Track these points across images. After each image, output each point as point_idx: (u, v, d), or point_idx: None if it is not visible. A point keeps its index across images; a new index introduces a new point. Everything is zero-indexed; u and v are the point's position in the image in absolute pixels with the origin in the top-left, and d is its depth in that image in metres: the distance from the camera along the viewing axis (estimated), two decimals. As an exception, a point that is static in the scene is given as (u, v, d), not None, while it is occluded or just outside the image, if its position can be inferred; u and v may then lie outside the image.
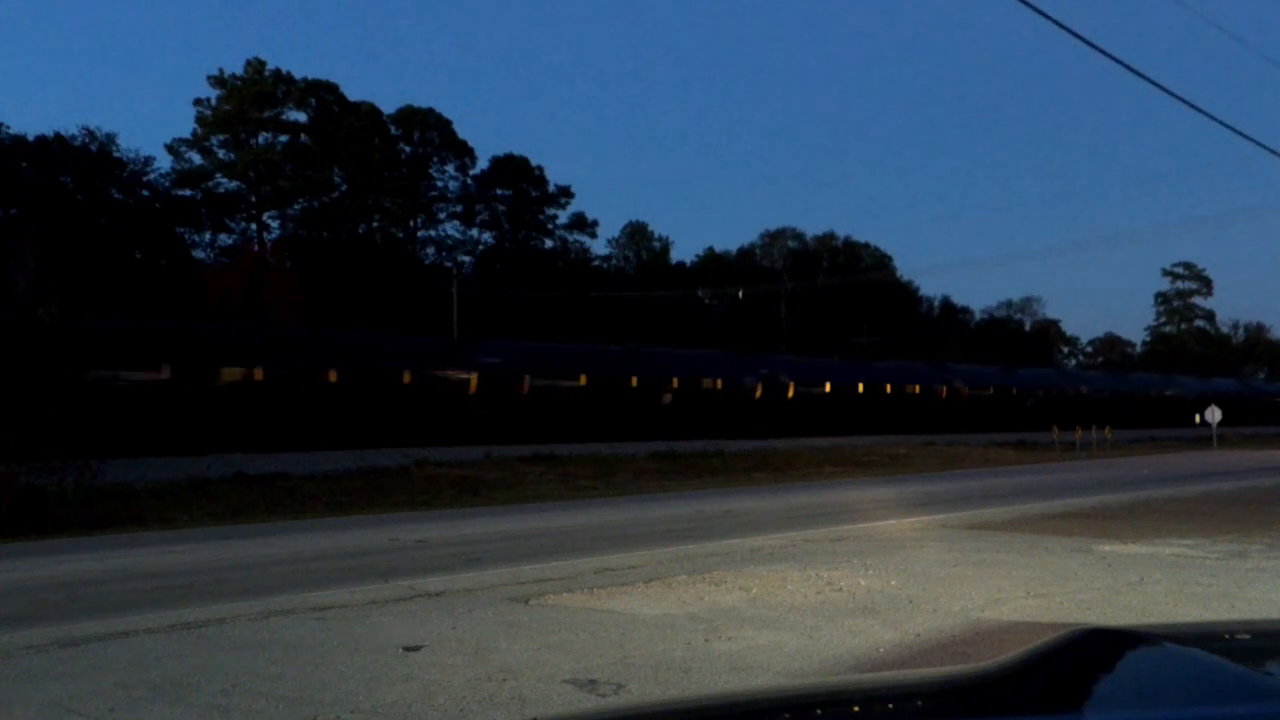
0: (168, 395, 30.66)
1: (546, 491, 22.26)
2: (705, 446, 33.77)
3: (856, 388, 52.58)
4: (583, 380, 42.33)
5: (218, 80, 63.08)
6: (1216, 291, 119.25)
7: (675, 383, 45.52)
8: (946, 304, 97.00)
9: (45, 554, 12.55)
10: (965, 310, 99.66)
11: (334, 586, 9.35)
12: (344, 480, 22.75)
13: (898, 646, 6.73)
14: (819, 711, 1.84)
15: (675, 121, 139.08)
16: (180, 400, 30.66)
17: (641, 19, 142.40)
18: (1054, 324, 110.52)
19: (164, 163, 62.59)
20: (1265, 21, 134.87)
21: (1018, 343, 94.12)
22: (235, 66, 65.02)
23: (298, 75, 65.00)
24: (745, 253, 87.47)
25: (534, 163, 74.73)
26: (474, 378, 38.58)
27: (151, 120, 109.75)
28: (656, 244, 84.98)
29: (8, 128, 55.44)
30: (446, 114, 73.06)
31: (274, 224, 66.66)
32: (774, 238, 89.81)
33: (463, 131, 72.35)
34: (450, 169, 72.71)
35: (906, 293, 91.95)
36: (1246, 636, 2.34)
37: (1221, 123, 20.14)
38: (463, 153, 72.28)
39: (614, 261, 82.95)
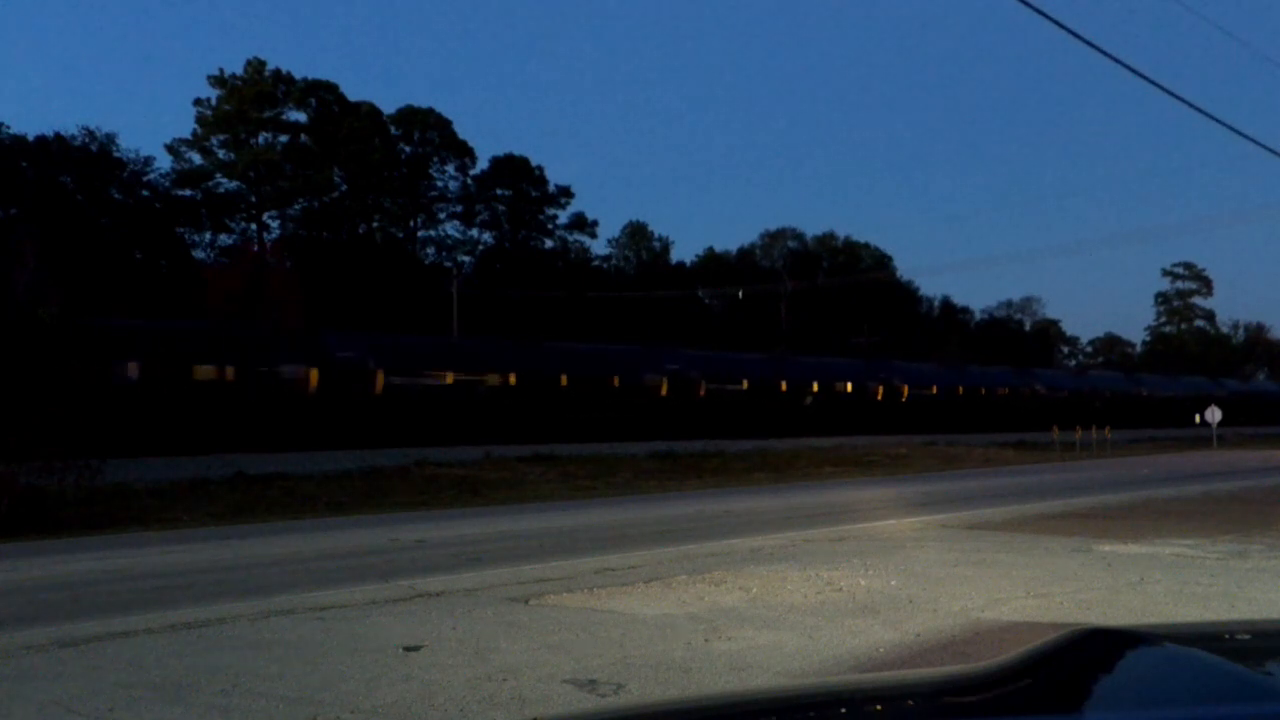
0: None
1: (546, 491, 22.26)
2: (705, 446, 33.76)
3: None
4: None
5: (218, 80, 63.08)
6: (1216, 291, 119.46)
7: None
8: (946, 304, 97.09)
9: (45, 554, 12.55)
10: (965, 310, 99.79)
11: (334, 586, 9.35)
12: (344, 480, 22.76)
13: (898, 646, 6.73)
14: (819, 712, 1.84)
15: (675, 121, 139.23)
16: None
17: (641, 19, 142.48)
18: (1054, 324, 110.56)
19: (164, 163, 62.66)
20: (1265, 21, 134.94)
21: (1018, 343, 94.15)
22: (235, 66, 65.07)
23: (298, 75, 65.09)
24: (745, 253, 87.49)
25: (534, 163, 74.82)
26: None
27: (151, 120, 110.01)
28: (656, 244, 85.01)
29: (8, 128, 55.49)
30: (446, 114, 73.14)
31: (274, 224, 66.72)
32: (774, 238, 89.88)
33: (463, 131, 72.43)
34: (450, 169, 72.76)
35: (906, 293, 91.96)
36: (1246, 636, 2.34)
37: (1221, 123, 20.15)
38: (463, 153, 72.28)
39: (614, 261, 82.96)
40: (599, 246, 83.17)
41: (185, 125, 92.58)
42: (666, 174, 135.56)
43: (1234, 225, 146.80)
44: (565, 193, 76.08)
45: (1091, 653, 1.93)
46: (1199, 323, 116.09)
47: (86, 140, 56.82)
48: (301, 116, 65.59)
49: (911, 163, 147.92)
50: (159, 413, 30.19)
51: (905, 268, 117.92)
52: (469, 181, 73.27)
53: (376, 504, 19.23)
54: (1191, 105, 18.79)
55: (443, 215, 73.40)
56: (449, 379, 39.30)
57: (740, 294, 70.34)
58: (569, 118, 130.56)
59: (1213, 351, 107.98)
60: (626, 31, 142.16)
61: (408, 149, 70.39)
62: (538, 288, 62.75)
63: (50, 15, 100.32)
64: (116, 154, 57.81)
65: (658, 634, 7.11)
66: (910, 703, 1.89)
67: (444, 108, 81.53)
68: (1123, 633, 2.07)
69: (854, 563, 10.41)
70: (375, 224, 70.12)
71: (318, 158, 64.17)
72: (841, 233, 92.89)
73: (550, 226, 76.93)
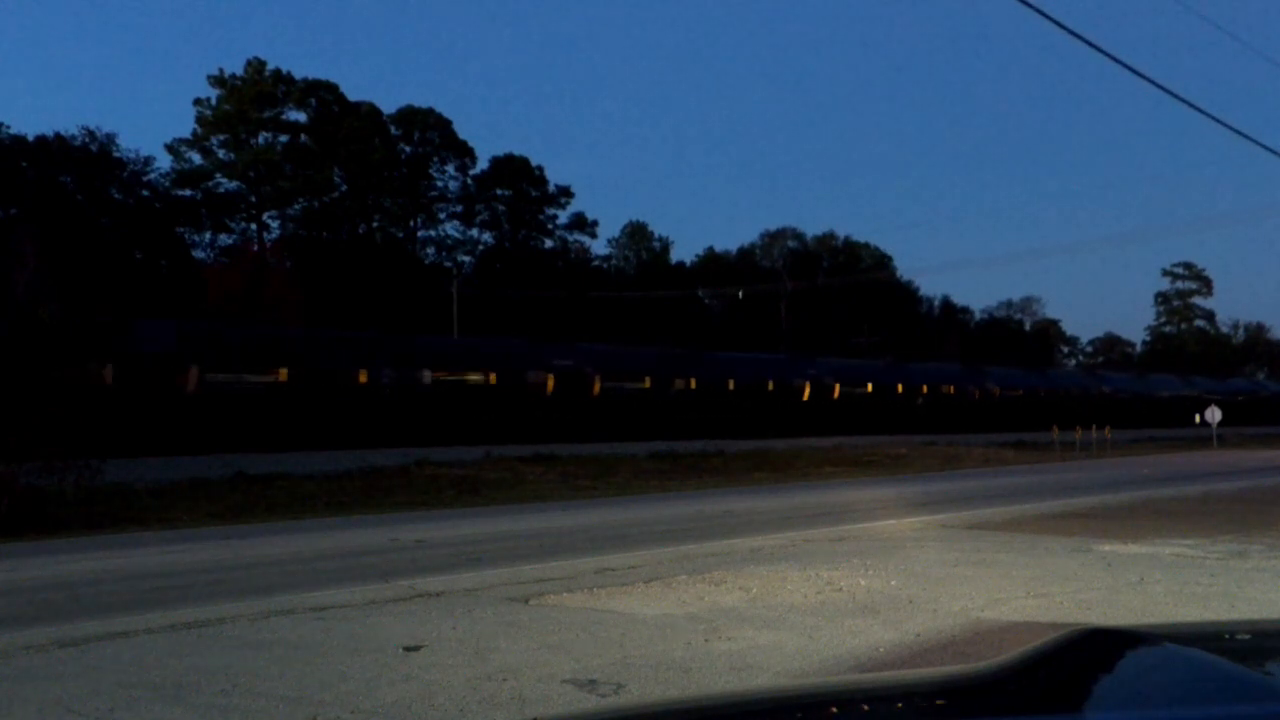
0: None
1: (546, 491, 22.25)
2: (705, 446, 33.75)
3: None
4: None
5: (218, 80, 63.09)
6: (1216, 291, 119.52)
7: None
8: (946, 304, 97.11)
9: (45, 554, 12.54)
10: (965, 310, 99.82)
11: (334, 586, 9.35)
12: (344, 480, 22.74)
13: (898, 646, 6.73)
14: (819, 712, 1.84)
15: (675, 121, 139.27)
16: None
17: (641, 19, 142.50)
18: (1054, 324, 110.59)
19: (164, 163, 62.73)
20: (1265, 21, 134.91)
21: (1018, 343, 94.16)
22: (235, 66, 65.15)
23: (298, 75, 65.16)
24: (745, 253, 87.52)
25: (534, 163, 74.90)
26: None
27: (151, 120, 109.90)
28: (656, 244, 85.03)
29: (8, 128, 55.54)
30: (446, 114, 73.19)
31: (274, 224, 66.79)
32: (774, 238, 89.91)
33: (463, 131, 72.49)
34: (450, 169, 72.82)
35: (906, 293, 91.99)
36: (1246, 636, 2.34)
37: (1221, 123, 20.16)
38: (463, 153, 72.32)
39: (614, 261, 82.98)
40: (599, 246, 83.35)
41: (185, 125, 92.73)
42: (666, 174, 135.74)
43: (1234, 225, 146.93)
44: (565, 193, 76.21)
45: (1091, 653, 1.93)
46: (1199, 323, 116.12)
47: (86, 140, 56.86)
48: (301, 116, 65.67)
49: (911, 163, 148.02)
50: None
51: (905, 268, 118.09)
52: (469, 181, 73.37)
53: (376, 504, 19.22)
54: (1191, 105, 18.81)
55: (443, 215, 73.53)
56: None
57: (740, 294, 70.35)
58: (569, 118, 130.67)
59: (1213, 351, 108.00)
60: (626, 31, 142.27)
61: (408, 149, 70.42)
62: (538, 288, 62.77)
63: (50, 15, 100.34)
64: (116, 154, 57.89)
65: (658, 634, 7.11)
66: (910, 703, 1.89)
67: (444, 108, 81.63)
68: (1123, 633, 2.07)
69: (854, 563, 10.41)
70: (375, 224, 70.14)
71: (318, 158, 64.18)
72: (841, 233, 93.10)
73: (550, 226, 77.04)
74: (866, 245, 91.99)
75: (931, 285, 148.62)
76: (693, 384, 46.58)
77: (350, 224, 68.21)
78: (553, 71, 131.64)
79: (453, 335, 51.04)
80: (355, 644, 6.83)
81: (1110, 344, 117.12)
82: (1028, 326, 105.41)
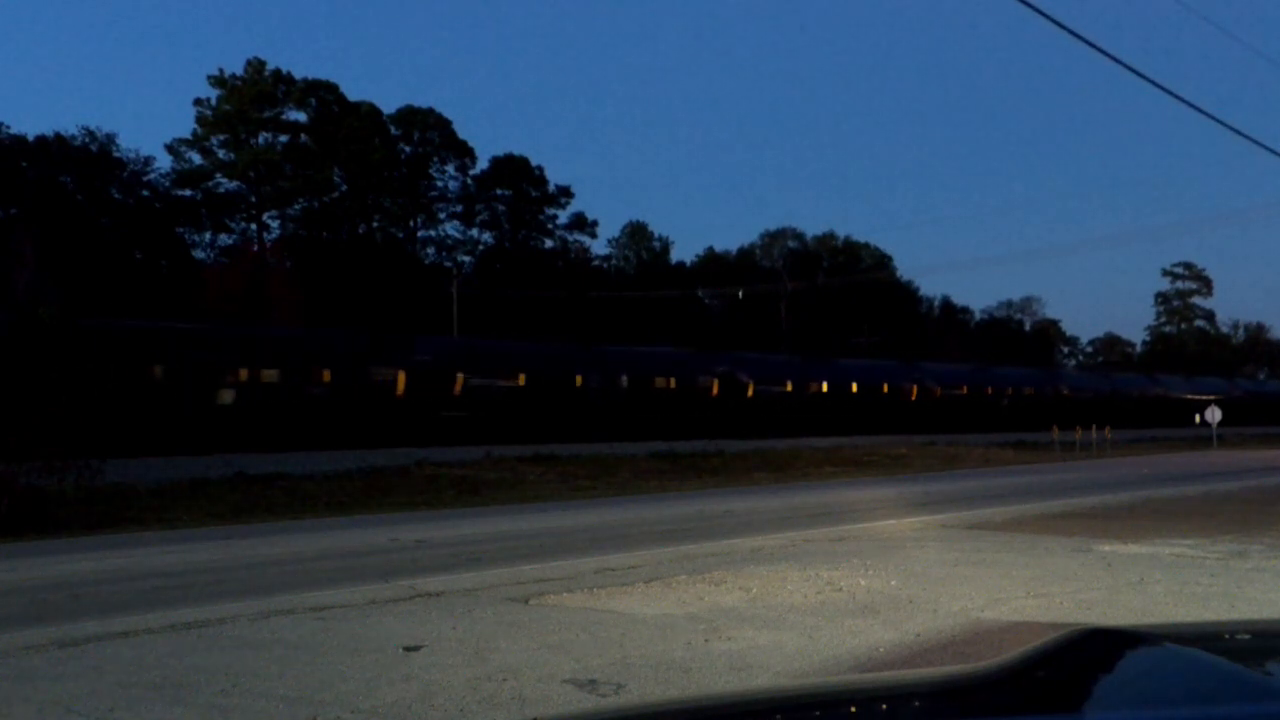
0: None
1: (546, 491, 22.26)
2: (705, 446, 33.75)
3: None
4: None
5: (218, 80, 63.06)
6: (1216, 291, 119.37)
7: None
8: (946, 304, 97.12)
9: (45, 554, 12.55)
10: (965, 310, 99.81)
11: (334, 586, 9.35)
12: (344, 480, 22.75)
13: (898, 646, 6.73)
14: (819, 712, 1.84)
15: (675, 121, 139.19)
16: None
17: (641, 19, 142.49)
18: (1054, 324, 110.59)
19: (164, 163, 62.69)
20: (1265, 21, 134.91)
21: (1018, 343, 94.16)
22: (235, 66, 65.08)
23: (298, 75, 65.06)
24: (745, 253, 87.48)
25: (534, 163, 74.84)
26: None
27: (151, 120, 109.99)
28: (656, 244, 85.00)
29: (8, 128, 55.53)
30: (446, 114, 73.14)
31: (274, 224, 66.74)
32: (774, 238, 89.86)
33: (463, 131, 72.45)
34: (450, 169, 72.78)
35: (906, 293, 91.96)
36: (1246, 636, 2.34)
37: (1221, 123, 20.16)
38: (463, 153, 72.30)
39: (614, 261, 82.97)
40: (599, 246, 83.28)
41: (185, 125, 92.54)
42: (666, 174, 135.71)
43: (1234, 225, 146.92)
44: (565, 193, 76.16)
45: (1091, 653, 1.93)
46: (1199, 323, 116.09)
47: (86, 140, 56.88)
48: (301, 116, 65.62)
49: (911, 162, 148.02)
50: None
51: (905, 268, 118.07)
52: (469, 181, 73.35)
53: (376, 504, 19.23)
54: (1191, 105, 18.81)
55: (443, 215, 73.48)
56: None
57: (740, 294, 70.35)
58: (569, 118, 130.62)
59: (1213, 351, 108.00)
60: (626, 31, 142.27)
61: (408, 149, 70.40)
62: (538, 288, 62.77)
63: (50, 15, 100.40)
64: (116, 154, 57.92)
65: (658, 634, 7.11)
66: (910, 703, 1.89)
67: (444, 108, 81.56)
68: (1123, 633, 2.07)
69: (854, 563, 10.41)
70: (375, 224, 70.13)
71: (318, 158, 64.17)
72: (841, 233, 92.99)
73: (550, 226, 76.99)
74: (866, 245, 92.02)
75: (931, 285, 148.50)
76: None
77: (350, 224, 68.21)
78: (553, 71, 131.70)
79: (451, 335, 51.01)
80: (355, 644, 6.83)
81: (1110, 344, 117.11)
82: (1028, 326, 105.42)
